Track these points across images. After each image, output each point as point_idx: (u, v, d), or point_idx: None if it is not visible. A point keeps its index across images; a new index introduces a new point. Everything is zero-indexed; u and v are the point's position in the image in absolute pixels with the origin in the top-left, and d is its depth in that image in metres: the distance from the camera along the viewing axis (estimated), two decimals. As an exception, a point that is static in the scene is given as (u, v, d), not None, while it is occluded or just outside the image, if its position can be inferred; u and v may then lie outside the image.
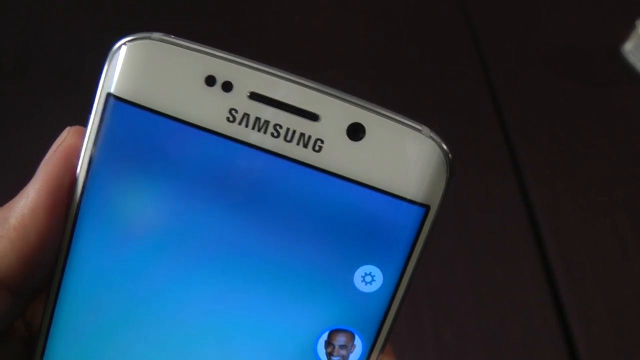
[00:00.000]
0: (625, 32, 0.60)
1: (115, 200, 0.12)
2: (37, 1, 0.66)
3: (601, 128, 0.56)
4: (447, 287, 0.48)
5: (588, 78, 0.59)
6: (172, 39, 0.12)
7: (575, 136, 0.55)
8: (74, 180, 0.13)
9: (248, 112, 0.12)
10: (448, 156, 0.13)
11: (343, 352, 0.13)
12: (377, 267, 0.13)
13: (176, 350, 0.12)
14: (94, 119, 0.13)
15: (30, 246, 0.12)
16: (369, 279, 0.13)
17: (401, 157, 0.12)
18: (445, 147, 0.13)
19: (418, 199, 0.13)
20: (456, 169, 0.13)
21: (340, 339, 0.13)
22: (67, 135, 0.14)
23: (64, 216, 0.13)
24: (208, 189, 0.12)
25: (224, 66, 0.12)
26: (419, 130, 0.13)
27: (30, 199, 0.13)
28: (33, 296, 0.14)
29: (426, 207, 0.13)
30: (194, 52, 0.12)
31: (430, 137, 0.13)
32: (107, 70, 0.13)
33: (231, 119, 0.12)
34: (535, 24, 0.64)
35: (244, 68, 0.12)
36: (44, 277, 0.13)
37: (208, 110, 0.12)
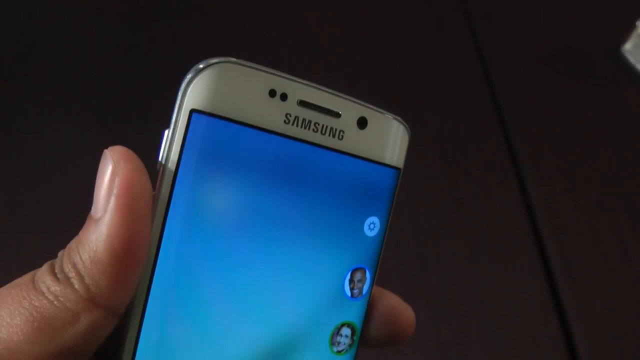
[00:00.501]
0: (625, 32, 0.60)
1: (205, 201, 0.15)
2: (37, 2, 0.66)
3: (601, 128, 0.56)
4: (447, 287, 0.48)
5: (588, 78, 0.59)
6: (241, 62, 0.15)
7: (575, 136, 0.55)
8: (148, 204, 0.14)
9: (298, 115, 0.16)
10: (409, 132, 0.19)
11: (360, 284, 0.18)
12: (377, 216, 0.18)
13: (254, 296, 0.16)
14: (179, 133, 0.15)
15: (124, 273, 0.14)
16: (372, 226, 0.18)
17: (386, 137, 0.18)
18: (407, 125, 0.19)
19: (395, 164, 0.18)
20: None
21: (357, 275, 0.18)
22: (119, 165, 0.13)
23: (145, 241, 0.14)
24: (273, 174, 0.16)
25: (280, 81, 0.16)
26: (394, 118, 0.18)
27: (104, 235, 0.14)
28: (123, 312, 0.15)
29: (399, 170, 0.19)
30: (258, 72, 0.15)
31: (399, 121, 0.19)
32: (190, 89, 0.15)
33: (287, 121, 0.16)
34: (535, 24, 0.64)
35: (293, 82, 0.16)
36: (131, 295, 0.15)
37: (271, 115, 0.16)
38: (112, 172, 0.14)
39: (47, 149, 0.54)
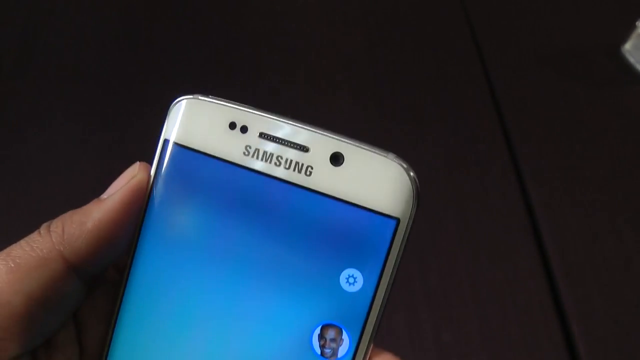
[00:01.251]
0: (625, 32, 0.60)
1: (169, 225, 0.16)
2: (37, 1, 0.66)
3: (601, 128, 0.56)
4: (447, 287, 0.48)
5: (588, 78, 0.59)
6: (207, 98, 0.16)
7: (575, 136, 0.55)
8: (141, 205, 0.17)
9: (258, 148, 0.16)
10: (411, 175, 0.16)
11: (333, 344, 0.16)
12: (358, 270, 0.16)
13: (208, 340, 0.16)
14: (155, 159, 0.17)
15: (97, 244, 0.16)
16: (352, 280, 0.16)
17: (373, 178, 0.15)
18: (408, 167, 0.16)
19: (388, 212, 0.15)
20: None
21: (330, 333, 0.16)
22: (138, 171, 0.17)
23: (127, 226, 0.17)
24: (230, 206, 0.16)
25: (241, 114, 0.16)
26: (385, 156, 0.16)
27: (105, 210, 0.16)
28: (90, 287, 0.17)
29: (396, 219, 0.15)
30: (220, 105, 0.16)
31: (396, 161, 0.16)
32: (166, 121, 0.17)
33: (246, 153, 0.16)
34: (535, 24, 0.64)
35: (254, 115, 0.16)
36: (102, 270, 0.17)
37: (230, 148, 0.16)
38: (131, 174, 0.17)
39: (47, 149, 0.54)
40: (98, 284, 0.18)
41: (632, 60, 0.60)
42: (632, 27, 0.59)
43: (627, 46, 0.60)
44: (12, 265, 0.15)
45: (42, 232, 0.16)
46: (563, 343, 0.45)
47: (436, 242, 0.50)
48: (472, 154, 0.54)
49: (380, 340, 0.48)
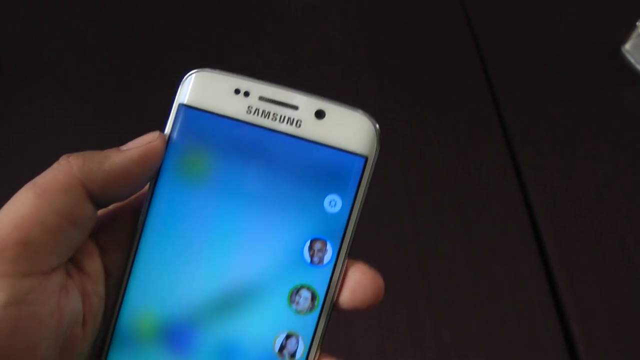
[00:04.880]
0: (625, 32, 0.60)
1: (185, 160, 0.20)
2: (37, 1, 0.66)
3: (601, 128, 0.56)
4: (447, 287, 0.48)
5: (588, 78, 0.59)
6: (216, 71, 0.21)
7: (575, 136, 0.55)
8: (156, 163, 0.20)
9: (258, 108, 0.20)
10: (375, 125, 0.20)
11: (320, 254, 0.20)
12: (338, 195, 0.20)
13: (221, 254, 0.20)
14: (173, 121, 0.21)
15: (110, 184, 0.19)
16: (333, 203, 0.20)
17: (347, 128, 0.20)
18: (373, 120, 0.20)
19: (359, 152, 0.20)
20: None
21: (317, 245, 0.20)
22: (158, 137, 0.20)
23: (138, 177, 0.20)
24: (236, 153, 0.20)
25: (244, 83, 0.20)
26: (356, 111, 0.20)
27: (123, 158, 0.19)
28: (111, 219, 0.20)
29: (365, 157, 0.20)
30: (229, 77, 0.20)
31: (364, 115, 0.20)
32: (179, 90, 0.21)
33: (249, 112, 0.20)
34: (535, 24, 0.64)
35: (255, 83, 0.20)
36: (113, 201, 0.20)
37: (236, 107, 0.20)
38: (151, 138, 0.20)
39: (47, 149, 0.54)
40: (118, 216, 0.21)
41: (632, 60, 0.60)
42: (632, 27, 0.59)
43: (627, 46, 0.60)
44: (41, 190, 0.18)
45: (62, 162, 0.19)
46: (563, 343, 0.45)
47: (436, 242, 0.50)
48: (472, 154, 0.54)
49: (380, 341, 0.48)
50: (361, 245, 0.51)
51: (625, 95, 0.58)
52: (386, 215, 0.51)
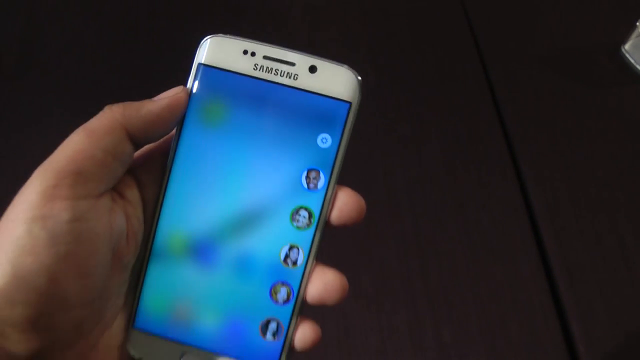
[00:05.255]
0: (625, 32, 0.60)
1: (203, 116, 0.25)
2: (37, 2, 0.66)
3: (601, 128, 0.56)
4: (447, 287, 0.48)
5: (588, 78, 0.59)
6: (228, 36, 0.25)
7: (575, 136, 0.55)
8: (183, 108, 0.24)
9: (263, 65, 0.25)
10: (358, 77, 0.25)
11: (315, 181, 0.25)
12: (328, 133, 0.25)
13: (235, 184, 0.25)
14: (193, 78, 0.25)
15: (146, 126, 0.23)
16: (325, 140, 0.25)
17: (335, 79, 0.24)
18: (356, 73, 0.25)
19: (345, 98, 0.24)
20: (364, 88, 0.25)
21: (313, 174, 0.25)
22: (180, 91, 0.24)
23: (168, 121, 0.24)
24: (245, 102, 0.25)
25: (252, 45, 0.25)
26: (342, 66, 0.25)
27: (155, 106, 0.23)
28: (149, 158, 0.25)
29: (349, 103, 0.25)
30: (238, 40, 0.25)
31: (349, 69, 0.24)
32: (197, 52, 0.25)
33: (255, 68, 0.25)
34: (535, 24, 0.64)
35: (260, 45, 0.25)
36: (147, 142, 0.24)
37: (244, 65, 0.25)
38: (177, 90, 0.24)
39: (47, 149, 0.54)
40: (151, 156, 0.25)
41: (632, 60, 0.60)
42: (632, 27, 0.59)
43: (627, 46, 0.60)
44: (90, 132, 0.22)
45: (106, 110, 0.23)
46: (563, 343, 0.45)
47: (436, 241, 0.50)
48: (472, 154, 0.54)
49: (380, 341, 0.48)
50: (361, 245, 0.51)
51: (625, 95, 0.58)
52: (386, 215, 0.51)
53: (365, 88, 0.25)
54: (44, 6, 0.65)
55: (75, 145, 0.22)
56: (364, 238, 0.50)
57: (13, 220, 0.20)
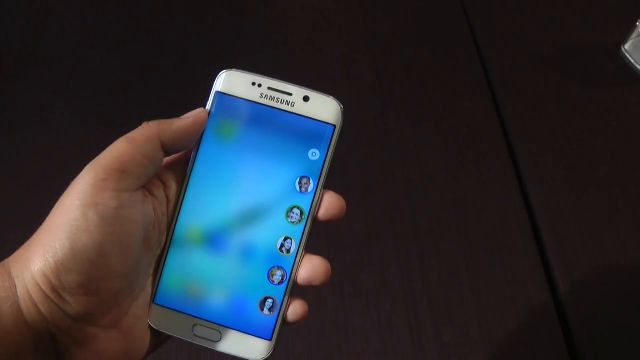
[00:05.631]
0: (625, 32, 0.60)
1: (219, 128, 0.30)
2: (37, 2, 0.66)
3: (601, 128, 0.56)
4: (447, 287, 0.48)
5: (588, 78, 0.59)
6: (240, 71, 0.31)
7: (575, 136, 0.55)
8: (204, 126, 0.30)
9: (267, 94, 0.30)
10: (341, 106, 0.30)
11: (306, 186, 0.30)
12: (317, 149, 0.30)
13: (240, 189, 0.30)
14: (212, 103, 0.30)
15: (176, 138, 0.28)
16: (314, 154, 0.30)
17: (323, 107, 0.30)
18: (339, 102, 0.30)
19: (330, 122, 0.30)
20: (346, 117, 0.30)
21: (304, 180, 0.30)
22: (202, 112, 0.30)
23: (193, 135, 0.30)
24: (252, 122, 0.30)
25: (259, 79, 0.30)
26: (329, 97, 0.30)
27: (184, 123, 0.29)
28: (173, 163, 0.30)
29: (334, 125, 0.30)
30: (248, 75, 0.30)
31: (334, 100, 0.30)
32: (215, 83, 0.31)
33: (261, 96, 0.30)
34: (535, 24, 0.64)
35: (265, 79, 0.30)
36: (174, 152, 0.29)
37: (253, 94, 0.30)
38: (200, 111, 0.30)
39: (47, 148, 0.54)
40: (175, 163, 0.30)
41: (632, 60, 0.60)
42: (632, 27, 0.59)
43: (627, 46, 0.60)
44: (132, 140, 0.27)
45: (144, 125, 0.28)
46: (563, 343, 0.45)
47: (436, 241, 0.50)
48: (472, 154, 0.54)
49: (380, 341, 0.48)
50: (361, 245, 0.51)
51: (625, 95, 0.58)
52: (386, 215, 0.51)
53: (346, 113, 0.30)
54: (44, 6, 0.65)
55: (120, 150, 0.27)
56: (364, 238, 0.50)
57: (70, 206, 0.25)
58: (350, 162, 0.53)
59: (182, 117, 0.30)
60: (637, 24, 0.58)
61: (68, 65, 0.61)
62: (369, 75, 0.60)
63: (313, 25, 0.64)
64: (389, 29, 0.64)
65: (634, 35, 0.59)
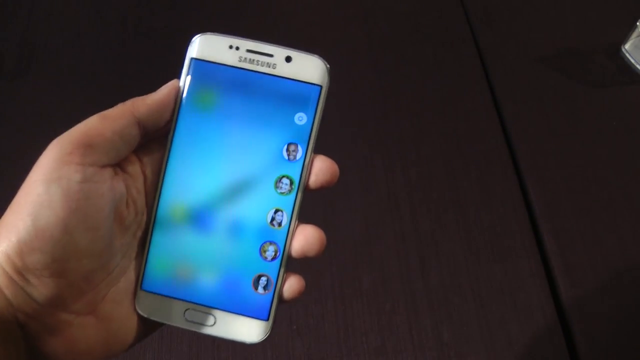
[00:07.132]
0: (625, 32, 0.60)
1: (195, 102, 0.28)
2: (37, 1, 0.66)
3: (601, 128, 0.56)
4: (447, 287, 0.48)
5: (588, 78, 0.59)
6: (215, 34, 0.28)
7: (575, 136, 0.55)
8: (178, 96, 0.28)
9: (246, 57, 0.28)
10: (327, 65, 0.28)
11: (294, 153, 0.28)
12: (304, 112, 0.28)
13: (226, 157, 0.28)
14: (187, 70, 0.28)
15: (151, 112, 0.27)
16: (301, 118, 0.28)
17: (307, 67, 0.28)
18: (325, 61, 0.28)
19: (316, 83, 0.28)
20: (332, 73, 0.29)
21: (292, 147, 0.28)
22: (175, 82, 0.28)
23: (168, 107, 0.28)
24: (231, 89, 0.28)
25: (236, 41, 0.28)
26: (314, 55, 0.28)
27: (156, 96, 0.28)
28: (142, 139, 0.28)
29: (320, 86, 0.28)
30: (224, 37, 0.28)
31: (319, 58, 0.28)
32: (189, 48, 0.28)
33: (240, 60, 0.28)
34: (535, 24, 0.64)
35: (243, 41, 0.28)
36: (154, 132, 0.28)
37: (230, 58, 0.28)
38: (172, 83, 0.28)
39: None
40: (153, 139, 0.28)
41: (632, 60, 0.60)
42: (632, 27, 0.59)
43: (627, 46, 0.60)
44: (103, 116, 0.26)
45: (119, 104, 0.27)
46: (563, 343, 0.45)
47: (436, 242, 0.50)
48: (472, 153, 0.54)
49: (380, 342, 0.48)
50: (361, 244, 0.51)
51: (625, 95, 0.58)
52: (386, 215, 0.51)
53: (333, 74, 0.28)
54: (44, 6, 0.65)
55: (89, 125, 0.26)
56: (364, 238, 0.50)
57: (34, 182, 0.24)
58: (349, 162, 0.53)
59: (157, 90, 0.28)
60: (637, 24, 0.58)
61: (68, 65, 0.61)
62: (369, 75, 0.60)
63: (313, 25, 0.64)
64: (389, 28, 0.64)
65: (634, 35, 0.59)
